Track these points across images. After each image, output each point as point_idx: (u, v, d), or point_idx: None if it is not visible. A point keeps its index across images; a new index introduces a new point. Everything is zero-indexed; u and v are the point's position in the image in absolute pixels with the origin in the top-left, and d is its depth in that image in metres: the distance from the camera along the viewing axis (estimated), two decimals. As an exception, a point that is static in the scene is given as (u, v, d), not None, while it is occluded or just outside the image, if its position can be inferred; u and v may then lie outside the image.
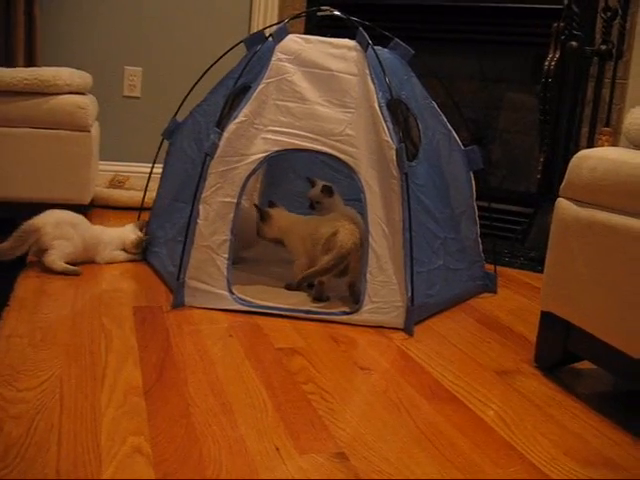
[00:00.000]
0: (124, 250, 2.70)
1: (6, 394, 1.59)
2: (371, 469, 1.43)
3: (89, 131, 3.02)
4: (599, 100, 3.28)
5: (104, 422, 1.51)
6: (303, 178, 2.88)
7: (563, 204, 1.89)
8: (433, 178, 2.45)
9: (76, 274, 2.51)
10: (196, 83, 2.68)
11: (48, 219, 2.54)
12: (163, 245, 2.58)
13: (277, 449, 1.47)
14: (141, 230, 2.74)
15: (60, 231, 2.52)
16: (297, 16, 2.82)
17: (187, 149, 2.60)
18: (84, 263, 2.61)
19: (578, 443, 1.62)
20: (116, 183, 3.75)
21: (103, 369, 1.77)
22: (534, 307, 2.56)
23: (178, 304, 2.25)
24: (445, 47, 3.93)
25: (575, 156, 1.88)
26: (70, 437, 1.44)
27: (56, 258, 2.50)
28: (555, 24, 3.26)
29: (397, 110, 2.34)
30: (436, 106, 2.61)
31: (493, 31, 3.77)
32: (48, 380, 1.68)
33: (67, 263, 2.52)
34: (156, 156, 2.79)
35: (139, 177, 3.77)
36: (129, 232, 2.72)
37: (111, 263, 2.67)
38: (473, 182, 2.63)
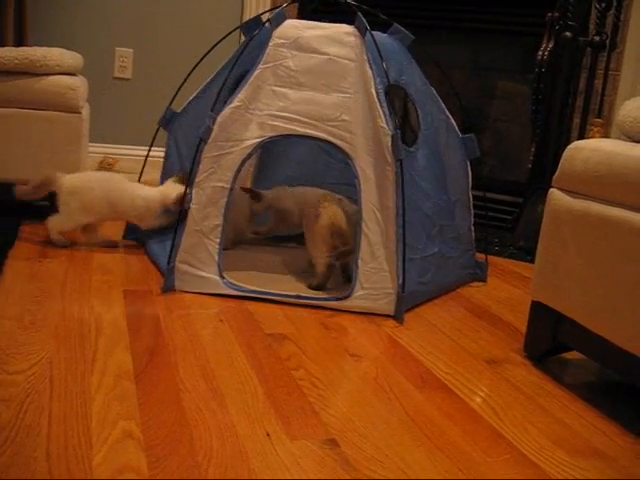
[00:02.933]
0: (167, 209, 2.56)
1: (-4, 376, 1.58)
2: (361, 456, 1.43)
3: (80, 112, 2.99)
4: (591, 91, 3.28)
5: (94, 406, 1.51)
6: (297, 163, 2.88)
7: (556, 195, 1.89)
8: (432, 164, 2.45)
9: (65, 246, 2.56)
10: (189, 73, 2.65)
11: (69, 182, 2.57)
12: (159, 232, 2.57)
13: (268, 435, 1.47)
14: (182, 182, 2.52)
15: (73, 198, 2.54)
16: (295, 1, 2.79)
17: (192, 145, 2.55)
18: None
19: (566, 432, 1.63)
20: (105, 165, 3.74)
21: (93, 353, 1.76)
22: (523, 297, 2.57)
23: (168, 288, 2.24)
24: (438, 35, 3.92)
25: (568, 147, 1.88)
26: (60, 421, 1.43)
27: (55, 225, 2.55)
28: (549, 14, 3.25)
29: (393, 96, 2.33)
30: (435, 92, 2.60)
31: (486, 20, 3.76)
32: (38, 363, 1.67)
33: (86, 226, 2.60)
34: (152, 141, 2.75)
35: (129, 160, 3.75)
36: (171, 188, 2.55)
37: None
38: (469, 170, 2.63)
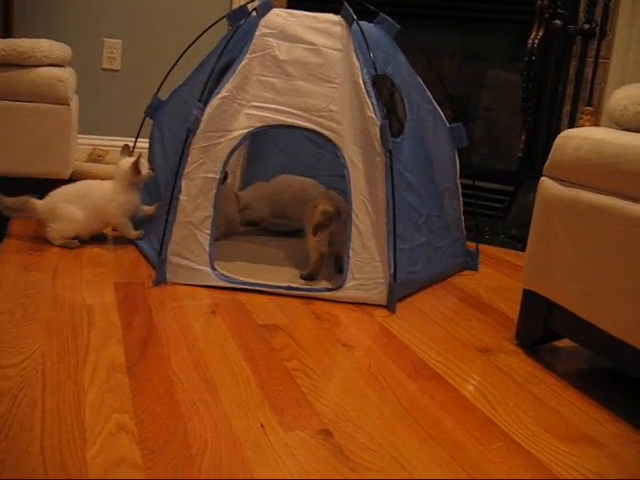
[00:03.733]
0: (128, 181, 2.58)
1: (-12, 371, 1.58)
2: (355, 445, 1.44)
3: (69, 104, 2.97)
4: (581, 79, 3.28)
5: (88, 399, 1.50)
6: (286, 153, 2.87)
7: (547, 183, 1.90)
8: (418, 154, 2.45)
9: (75, 247, 2.53)
10: (177, 61, 2.64)
11: (45, 204, 2.54)
12: (150, 223, 2.56)
13: (262, 426, 1.47)
14: (129, 153, 2.66)
15: (57, 212, 2.52)
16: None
17: (173, 129, 2.56)
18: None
19: (559, 420, 1.64)
20: (95, 157, 3.71)
21: (86, 346, 1.76)
22: (515, 285, 2.58)
23: (160, 280, 2.24)
24: (427, 23, 3.90)
25: (559, 135, 1.89)
26: (54, 414, 1.43)
27: (55, 236, 2.53)
28: (539, 2, 3.25)
29: (382, 86, 2.32)
30: (422, 82, 2.59)
31: (476, 8, 3.75)
32: (30, 357, 1.67)
33: (79, 235, 2.56)
34: (138, 132, 2.76)
35: (118, 151, 3.73)
36: (120, 164, 2.60)
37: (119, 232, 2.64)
38: (457, 159, 2.63)
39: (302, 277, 2.35)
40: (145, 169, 2.59)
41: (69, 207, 2.53)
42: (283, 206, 2.91)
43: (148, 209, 2.61)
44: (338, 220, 2.30)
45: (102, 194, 2.58)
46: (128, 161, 2.59)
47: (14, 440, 1.33)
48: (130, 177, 2.57)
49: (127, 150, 2.68)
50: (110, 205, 2.57)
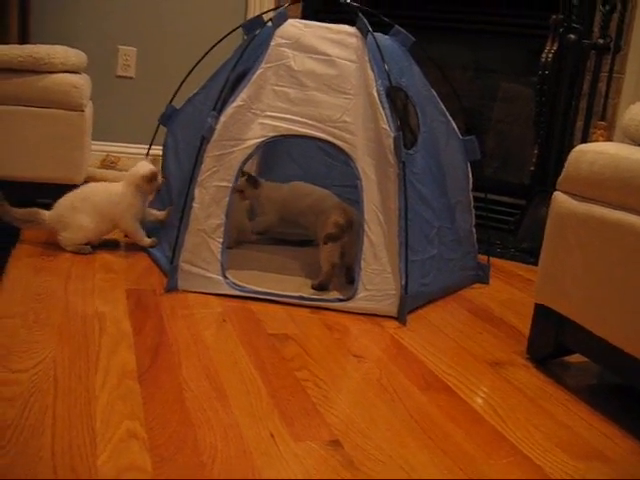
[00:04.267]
0: (138, 187, 2.58)
1: (0, 375, 1.58)
2: (365, 457, 1.43)
3: (83, 111, 2.99)
4: (595, 94, 3.28)
5: (98, 405, 1.51)
6: (299, 163, 2.88)
7: (560, 197, 1.90)
8: (430, 166, 2.45)
9: (88, 252, 2.54)
10: (191, 70, 2.66)
11: (52, 215, 2.55)
12: (163, 231, 2.57)
13: (272, 435, 1.47)
14: (155, 164, 2.63)
15: (65, 221, 2.53)
16: (297, 1, 2.79)
17: (187, 138, 2.56)
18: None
19: (569, 435, 1.63)
20: (108, 163, 3.73)
21: (97, 352, 1.76)
22: (526, 299, 2.57)
23: (171, 288, 2.24)
24: (441, 36, 3.91)
25: (574, 150, 1.88)
26: (65, 420, 1.44)
27: (67, 243, 2.53)
28: (554, 16, 3.25)
29: (396, 98, 2.33)
30: (435, 94, 2.60)
31: (489, 21, 3.76)
32: (42, 362, 1.67)
33: (90, 241, 2.57)
34: (152, 140, 2.77)
35: (131, 158, 3.75)
36: (138, 168, 2.59)
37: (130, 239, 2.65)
38: (470, 172, 2.63)
39: (313, 287, 2.36)
40: (159, 178, 2.60)
41: (76, 215, 2.53)
42: (298, 214, 2.89)
43: (159, 214, 2.62)
44: (350, 232, 2.31)
45: (106, 196, 2.58)
46: (147, 166, 2.59)
47: (25, 445, 1.34)
48: (143, 183, 2.57)
49: (153, 159, 2.66)
50: (117, 207, 2.57)
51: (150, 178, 2.57)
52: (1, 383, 1.55)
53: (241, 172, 2.42)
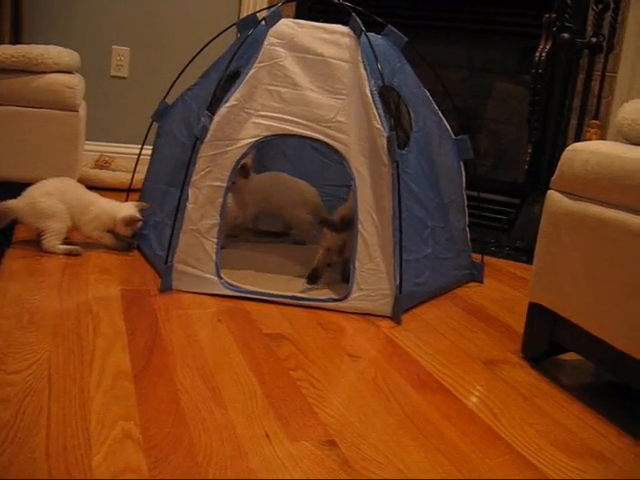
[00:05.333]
0: (112, 230, 2.58)
1: (-6, 376, 1.58)
2: (360, 457, 1.43)
3: (77, 111, 2.99)
4: (588, 92, 3.29)
5: (93, 406, 1.50)
6: (293, 162, 2.88)
7: (554, 196, 1.90)
8: (423, 166, 2.45)
9: (78, 254, 2.49)
10: (185, 67, 2.65)
11: (23, 202, 2.49)
12: (152, 228, 2.56)
13: (267, 435, 1.47)
14: (140, 212, 2.58)
15: (40, 211, 2.47)
16: (290, 0, 2.79)
17: (177, 133, 2.58)
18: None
19: (564, 433, 1.63)
20: (102, 164, 3.72)
21: (91, 352, 1.76)
22: (520, 297, 2.58)
23: (166, 288, 2.24)
24: (433, 35, 3.92)
25: (567, 149, 1.89)
26: (59, 421, 1.43)
27: (53, 242, 2.48)
28: (547, 15, 3.26)
29: (389, 98, 2.33)
30: (428, 94, 2.60)
31: (482, 20, 3.77)
32: (36, 363, 1.67)
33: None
34: (145, 138, 2.77)
35: (125, 158, 3.75)
36: (125, 208, 2.58)
37: (92, 240, 2.60)
38: (463, 171, 2.63)
39: (307, 278, 2.39)
40: (137, 226, 2.57)
41: (51, 200, 2.49)
42: (277, 207, 2.91)
43: (118, 245, 2.61)
44: (352, 228, 2.32)
45: (77, 199, 2.56)
46: (129, 210, 2.56)
47: (20, 445, 1.33)
48: (120, 224, 2.56)
49: (141, 206, 2.62)
50: (83, 217, 2.55)
51: (128, 222, 2.55)
52: (-5, 384, 1.55)
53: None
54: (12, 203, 2.49)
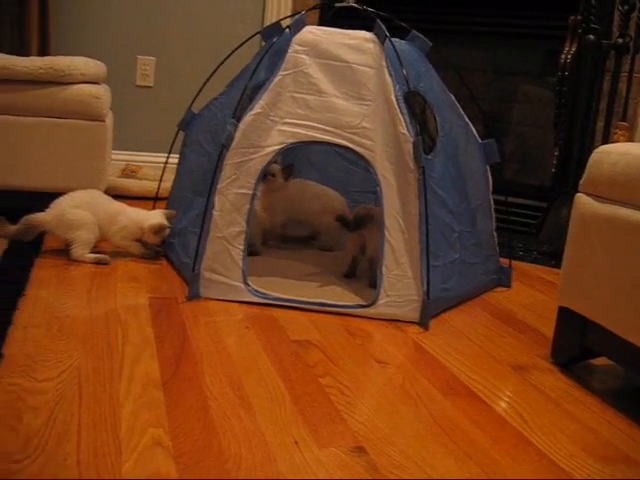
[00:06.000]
0: (140, 239, 2.60)
1: (25, 384, 1.59)
2: (390, 463, 1.43)
3: (104, 121, 3.02)
4: (615, 94, 3.26)
5: (123, 414, 1.51)
6: (318, 169, 2.88)
7: (582, 199, 1.88)
8: (450, 171, 2.44)
9: (106, 262, 2.51)
10: (210, 75, 2.67)
11: (51, 215, 2.53)
12: (177, 236, 2.58)
13: (296, 442, 1.47)
14: (168, 220, 2.60)
15: (69, 223, 2.50)
16: (314, 7, 2.80)
17: (203, 142, 2.59)
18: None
19: (595, 439, 1.62)
20: (128, 172, 3.75)
21: (120, 360, 1.77)
22: (548, 302, 2.56)
23: (193, 295, 2.25)
24: (457, 39, 3.90)
25: (595, 151, 1.87)
26: (90, 428, 1.44)
27: (81, 251, 2.50)
28: (572, 17, 3.24)
29: (414, 102, 2.33)
30: (454, 98, 2.59)
31: (506, 23, 3.75)
32: (66, 371, 1.68)
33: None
34: (171, 146, 2.78)
35: (151, 167, 3.77)
36: (153, 216, 2.59)
37: (121, 249, 2.62)
38: (489, 176, 2.62)
39: (343, 275, 2.55)
40: (165, 233, 2.59)
41: (79, 211, 2.52)
42: (305, 214, 2.93)
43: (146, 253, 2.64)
44: (371, 225, 2.37)
45: (105, 210, 2.59)
46: (157, 218, 2.58)
47: (51, 453, 1.34)
48: (148, 232, 2.58)
49: (170, 214, 2.63)
50: (111, 227, 2.57)
51: (156, 230, 2.56)
52: (27, 392, 1.56)
53: (275, 160, 2.56)
54: (40, 216, 2.53)
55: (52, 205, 2.55)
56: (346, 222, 2.53)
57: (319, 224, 2.93)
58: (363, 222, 2.43)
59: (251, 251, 2.51)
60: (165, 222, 2.58)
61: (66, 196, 2.58)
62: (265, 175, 2.70)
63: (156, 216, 2.60)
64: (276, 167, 2.79)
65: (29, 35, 3.76)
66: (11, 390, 1.56)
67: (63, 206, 2.53)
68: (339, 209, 2.84)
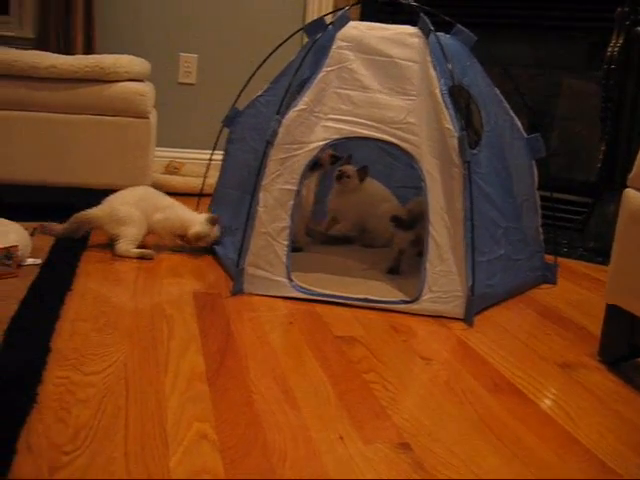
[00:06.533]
0: (182, 236, 2.64)
1: (74, 377, 1.62)
2: (436, 460, 1.42)
3: (148, 118, 3.05)
4: (664, 87, 3.19)
5: (169, 407, 1.53)
6: (361, 164, 2.87)
7: (631, 194, 1.85)
8: (495, 166, 2.41)
9: (151, 258, 2.55)
10: (254, 72, 2.68)
11: (103, 210, 2.58)
12: (226, 233, 2.59)
13: (341, 438, 1.47)
14: (213, 225, 2.62)
15: (119, 219, 2.55)
16: (357, 3, 2.79)
17: (249, 139, 2.60)
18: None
19: (645, 439, 1.59)
20: (172, 169, 3.78)
21: (166, 355, 1.79)
22: (595, 299, 2.52)
23: (237, 291, 2.26)
24: (501, 33, 3.86)
25: (645, 145, 1.84)
26: (137, 422, 1.46)
27: (126, 246, 2.54)
28: (619, 9, 3.18)
29: (459, 97, 2.31)
30: (499, 93, 2.56)
31: (550, 16, 3.70)
32: (113, 365, 1.70)
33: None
34: (216, 143, 2.80)
35: (194, 163, 3.80)
36: (197, 222, 2.62)
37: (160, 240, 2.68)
38: (535, 171, 2.59)
39: (386, 271, 2.54)
40: (203, 242, 2.62)
41: (129, 208, 2.57)
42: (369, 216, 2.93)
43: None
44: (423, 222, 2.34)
45: (160, 205, 2.63)
46: (201, 226, 2.61)
47: (99, 445, 1.36)
48: (185, 234, 2.62)
49: (213, 219, 2.63)
50: (159, 224, 2.62)
51: (197, 239, 2.61)
52: (75, 385, 1.58)
53: (349, 156, 2.66)
54: (92, 212, 2.59)
55: (104, 202, 2.60)
56: (402, 222, 2.51)
57: (382, 228, 2.88)
58: (417, 220, 2.42)
59: (295, 247, 2.51)
60: (206, 231, 2.60)
61: (117, 193, 2.64)
62: (340, 176, 2.74)
63: (200, 224, 2.62)
64: (351, 168, 2.80)
65: (74, 34, 3.81)
66: (60, 383, 1.59)
67: (114, 203, 2.59)
68: (393, 208, 2.81)
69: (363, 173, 2.83)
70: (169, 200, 2.69)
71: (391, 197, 2.92)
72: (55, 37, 3.83)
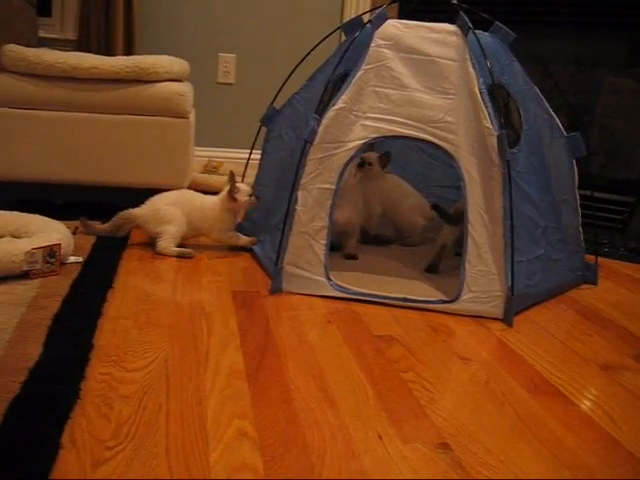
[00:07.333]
0: (235, 214, 2.68)
1: (115, 374, 1.64)
2: (475, 461, 1.41)
3: (188, 118, 3.07)
4: None
5: (209, 404, 1.54)
6: (398, 163, 2.87)
7: (675, 194, 1.82)
8: (534, 165, 2.39)
9: (190, 256, 2.58)
10: (292, 71, 2.68)
11: (146, 210, 2.63)
12: (266, 233, 2.60)
13: (380, 437, 1.47)
14: (251, 195, 2.65)
15: (161, 218, 2.59)
16: (395, 1, 2.78)
17: (286, 137, 2.61)
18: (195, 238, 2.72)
19: (690, 443, 1.56)
20: (210, 168, 3.81)
21: (206, 352, 1.80)
22: (636, 300, 2.49)
23: (276, 289, 2.27)
24: (540, 30, 3.82)
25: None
26: (177, 418, 1.47)
27: (167, 244, 2.57)
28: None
29: (498, 95, 2.29)
30: (538, 91, 2.54)
31: (590, 13, 3.65)
32: (154, 361, 1.72)
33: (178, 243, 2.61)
34: (254, 142, 2.81)
35: (232, 163, 3.82)
36: (224, 190, 2.66)
37: (222, 243, 2.71)
38: (575, 170, 2.56)
39: (425, 270, 2.54)
40: (244, 196, 2.63)
41: (170, 209, 2.61)
42: (395, 210, 2.92)
43: (243, 240, 2.68)
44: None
45: (198, 207, 2.65)
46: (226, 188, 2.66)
47: (141, 441, 1.38)
48: (226, 204, 2.63)
49: (232, 178, 2.65)
50: (206, 222, 2.65)
51: (230, 197, 2.62)
52: (117, 381, 1.61)
53: (371, 146, 2.60)
54: (135, 210, 2.64)
55: (147, 202, 2.65)
56: (447, 215, 2.52)
57: (408, 223, 2.90)
58: (463, 217, 2.40)
59: (350, 255, 2.62)
60: (247, 199, 2.64)
61: (161, 195, 2.68)
62: (362, 164, 2.74)
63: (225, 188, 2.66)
64: (373, 155, 2.80)
65: (115, 35, 3.87)
66: (102, 379, 1.61)
67: (157, 203, 2.64)
68: (427, 211, 2.81)
69: (386, 159, 2.82)
70: (209, 201, 2.70)
71: (416, 193, 2.92)
72: (96, 39, 3.89)
